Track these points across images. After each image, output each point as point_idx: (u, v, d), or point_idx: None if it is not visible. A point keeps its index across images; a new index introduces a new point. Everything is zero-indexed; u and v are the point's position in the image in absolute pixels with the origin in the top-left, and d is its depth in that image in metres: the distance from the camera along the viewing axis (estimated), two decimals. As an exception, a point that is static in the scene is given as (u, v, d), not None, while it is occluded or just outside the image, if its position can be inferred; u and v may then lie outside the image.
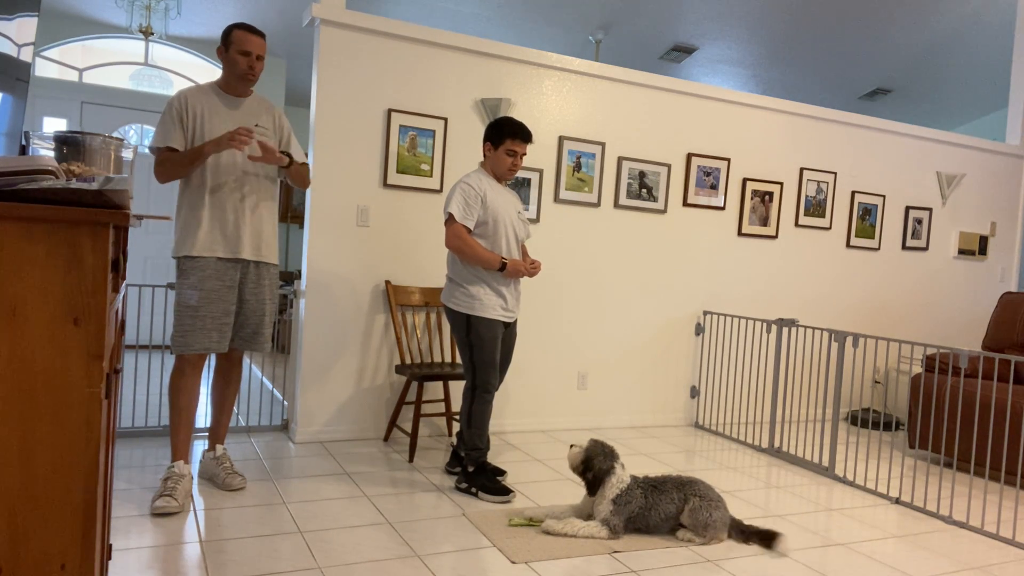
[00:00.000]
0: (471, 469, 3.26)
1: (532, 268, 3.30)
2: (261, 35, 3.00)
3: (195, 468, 3.31)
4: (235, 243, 2.97)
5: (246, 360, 3.75)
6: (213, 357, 3.24)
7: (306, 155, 3.17)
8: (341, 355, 3.96)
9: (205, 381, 3.85)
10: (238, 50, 2.95)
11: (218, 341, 2.98)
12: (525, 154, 3.34)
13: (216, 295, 2.96)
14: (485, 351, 3.23)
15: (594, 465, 2.84)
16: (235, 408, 4.00)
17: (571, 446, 2.95)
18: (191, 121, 2.98)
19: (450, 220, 3.23)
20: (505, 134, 3.27)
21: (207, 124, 2.97)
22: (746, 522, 2.92)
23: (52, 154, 1.82)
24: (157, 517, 2.72)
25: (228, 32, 2.98)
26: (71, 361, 1.12)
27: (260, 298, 3.09)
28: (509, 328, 3.41)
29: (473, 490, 3.23)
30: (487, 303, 3.22)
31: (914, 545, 2.97)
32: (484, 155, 3.36)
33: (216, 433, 3.23)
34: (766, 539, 2.82)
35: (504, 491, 3.18)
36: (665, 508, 2.82)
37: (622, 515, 2.79)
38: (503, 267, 3.21)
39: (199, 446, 3.68)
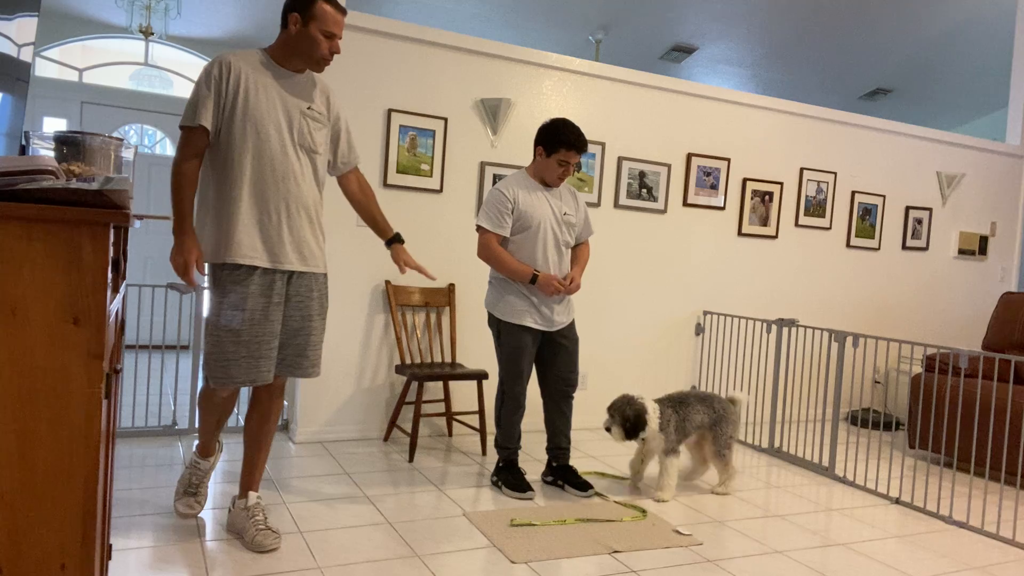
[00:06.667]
0: (500, 465, 3.35)
1: (569, 285, 3.18)
2: (345, 12, 2.50)
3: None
4: (279, 250, 2.47)
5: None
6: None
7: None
8: (341, 355, 3.96)
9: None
10: (322, 29, 2.42)
11: (268, 371, 2.48)
12: (578, 163, 3.25)
13: (262, 315, 2.45)
14: (511, 358, 3.21)
15: (626, 414, 3.24)
16: (235, 409, 3.75)
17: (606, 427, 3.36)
18: (230, 94, 2.41)
19: (480, 231, 3.21)
20: (560, 143, 3.14)
21: (252, 100, 2.42)
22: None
23: (52, 154, 1.82)
24: (163, 517, 2.72)
25: (312, 2, 2.42)
26: (71, 361, 1.12)
27: (306, 314, 2.56)
28: (560, 333, 3.29)
29: (499, 484, 3.32)
30: (517, 309, 3.19)
31: (914, 545, 2.97)
32: (534, 157, 3.26)
33: (250, 478, 2.65)
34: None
35: (523, 488, 3.24)
36: (696, 418, 3.39)
37: (671, 433, 3.30)
38: (534, 279, 3.15)
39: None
